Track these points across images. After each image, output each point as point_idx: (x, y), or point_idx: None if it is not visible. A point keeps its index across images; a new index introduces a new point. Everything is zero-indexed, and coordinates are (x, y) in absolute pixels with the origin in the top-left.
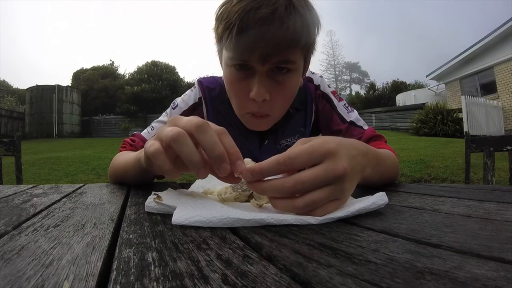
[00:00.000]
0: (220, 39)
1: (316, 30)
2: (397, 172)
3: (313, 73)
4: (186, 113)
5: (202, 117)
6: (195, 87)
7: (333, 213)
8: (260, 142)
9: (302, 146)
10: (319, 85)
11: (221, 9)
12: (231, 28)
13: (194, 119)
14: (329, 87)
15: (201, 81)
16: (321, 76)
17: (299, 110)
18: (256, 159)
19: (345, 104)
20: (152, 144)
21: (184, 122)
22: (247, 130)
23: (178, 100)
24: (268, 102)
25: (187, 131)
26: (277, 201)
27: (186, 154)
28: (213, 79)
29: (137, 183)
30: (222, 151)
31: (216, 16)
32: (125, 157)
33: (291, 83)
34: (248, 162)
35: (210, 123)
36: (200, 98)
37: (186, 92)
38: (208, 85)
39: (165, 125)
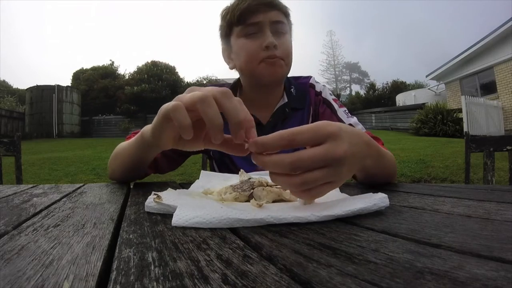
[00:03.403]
0: (229, 25)
1: (288, 10)
2: (395, 172)
3: (317, 82)
4: None
5: None
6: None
7: (334, 211)
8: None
9: (306, 125)
10: (320, 92)
11: (225, 9)
12: (238, 8)
13: (216, 87)
14: (331, 95)
15: (212, 83)
16: (324, 85)
17: (296, 110)
18: None
19: (345, 111)
20: (171, 103)
21: (208, 89)
22: None
23: None
24: (277, 48)
25: (213, 95)
26: (276, 177)
27: (211, 115)
28: (221, 85)
29: (132, 173)
30: (243, 117)
31: (222, 14)
32: (125, 142)
33: (288, 40)
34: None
35: None
36: None
37: None
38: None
39: (184, 92)
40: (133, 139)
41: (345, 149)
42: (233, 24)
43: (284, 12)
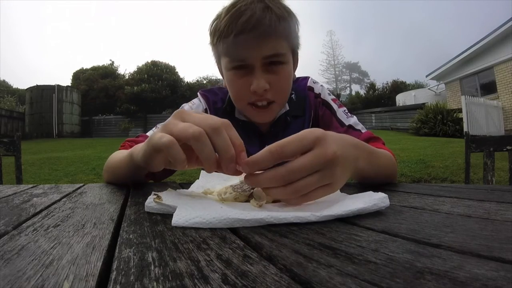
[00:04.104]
0: (217, 49)
1: (296, 27)
2: (395, 172)
3: (315, 82)
4: None
5: None
6: (200, 99)
7: (333, 211)
8: (260, 146)
9: (292, 135)
10: (319, 93)
11: (213, 25)
12: (224, 36)
13: (208, 119)
14: (330, 95)
15: (206, 95)
16: (322, 85)
17: (297, 117)
18: None
19: (345, 110)
20: (163, 136)
21: (198, 121)
22: (248, 135)
23: (186, 106)
24: (269, 91)
25: (205, 132)
26: (271, 190)
27: (206, 154)
28: (215, 93)
29: (128, 182)
30: (234, 153)
31: (210, 31)
32: (118, 155)
33: (285, 73)
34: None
35: (214, 116)
36: (206, 110)
37: (194, 101)
38: (213, 99)
39: (172, 119)
40: (123, 157)
41: (334, 150)
42: (220, 53)
43: (286, 35)
